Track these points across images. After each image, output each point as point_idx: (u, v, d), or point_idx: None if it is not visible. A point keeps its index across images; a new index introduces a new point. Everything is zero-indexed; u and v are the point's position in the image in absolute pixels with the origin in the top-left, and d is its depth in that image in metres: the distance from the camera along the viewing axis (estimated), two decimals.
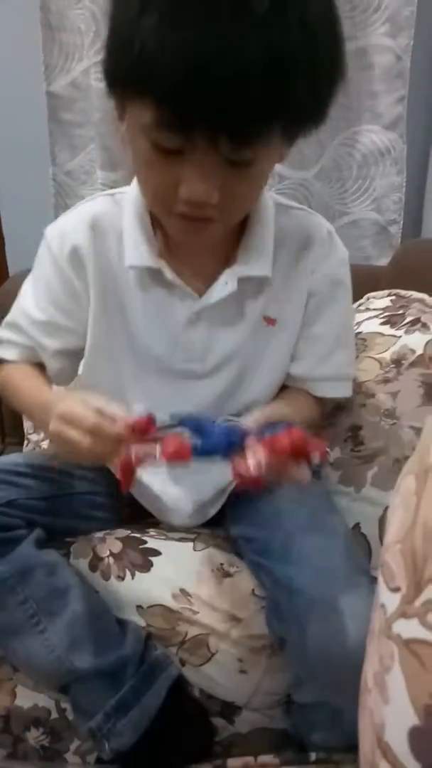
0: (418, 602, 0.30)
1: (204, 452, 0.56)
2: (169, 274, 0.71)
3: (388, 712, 0.32)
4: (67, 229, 0.74)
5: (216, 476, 0.76)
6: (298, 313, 0.77)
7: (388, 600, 0.34)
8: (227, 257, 0.73)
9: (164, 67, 0.51)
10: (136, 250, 0.71)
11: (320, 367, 0.79)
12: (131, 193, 0.72)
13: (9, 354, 0.80)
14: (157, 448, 0.55)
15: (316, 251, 0.76)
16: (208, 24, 0.49)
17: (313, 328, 0.78)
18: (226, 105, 0.51)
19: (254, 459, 0.53)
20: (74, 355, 0.79)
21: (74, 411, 0.59)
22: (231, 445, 0.56)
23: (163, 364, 0.75)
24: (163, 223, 0.69)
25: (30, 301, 0.78)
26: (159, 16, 0.50)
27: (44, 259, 0.76)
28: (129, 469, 0.56)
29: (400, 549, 0.33)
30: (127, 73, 0.55)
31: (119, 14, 0.56)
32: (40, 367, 0.80)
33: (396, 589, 0.33)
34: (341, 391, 0.81)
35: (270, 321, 0.76)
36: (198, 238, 0.67)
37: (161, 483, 0.78)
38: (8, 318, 0.80)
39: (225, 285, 0.72)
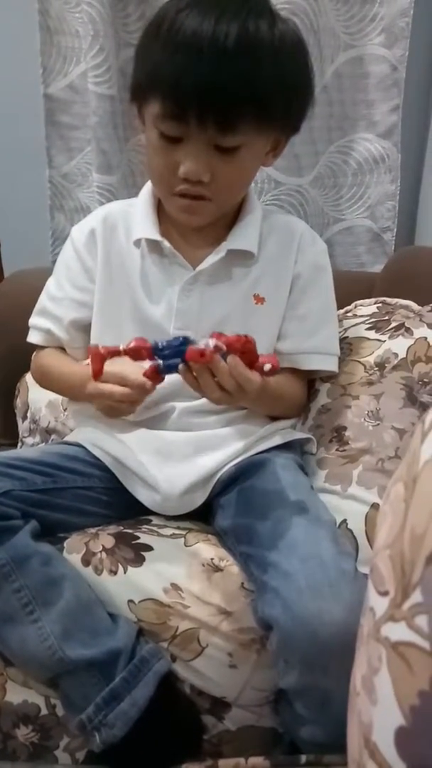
0: (405, 606, 0.31)
1: (162, 348, 0.67)
2: (167, 247, 0.84)
3: (375, 713, 0.32)
4: (87, 221, 0.91)
5: (203, 461, 0.82)
6: (284, 295, 0.88)
7: (377, 604, 0.35)
8: (220, 242, 0.85)
9: (166, 74, 0.72)
10: (142, 226, 0.86)
11: (307, 341, 0.88)
12: (143, 189, 0.90)
13: (36, 338, 0.93)
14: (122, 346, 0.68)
15: (299, 242, 0.89)
16: (197, 48, 0.70)
17: (299, 308, 0.88)
18: (209, 98, 0.71)
19: (204, 343, 0.67)
20: (85, 328, 0.90)
21: (103, 388, 0.74)
22: (186, 342, 0.67)
23: (161, 330, 0.84)
24: (166, 204, 0.84)
25: (51, 284, 0.93)
26: (163, 42, 0.73)
27: (67, 248, 0.92)
28: (97, 357, 0.69)
29: (389, 554, 0.34)
30: (144, 80, 0.76)
31: (141, 43, 0.78)
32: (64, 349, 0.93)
33: (385, 593, 0.34)
34: (328, 364, 0.89)
35: (259, 299, 0.86)
36: (194, 217, 0.82)
37: (151, 466, 0.82)
38: (36, 306, 0.94)
39: (215, 255, 0.85)
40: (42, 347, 0.95)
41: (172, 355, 0.67)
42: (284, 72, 0.74)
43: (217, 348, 0.67)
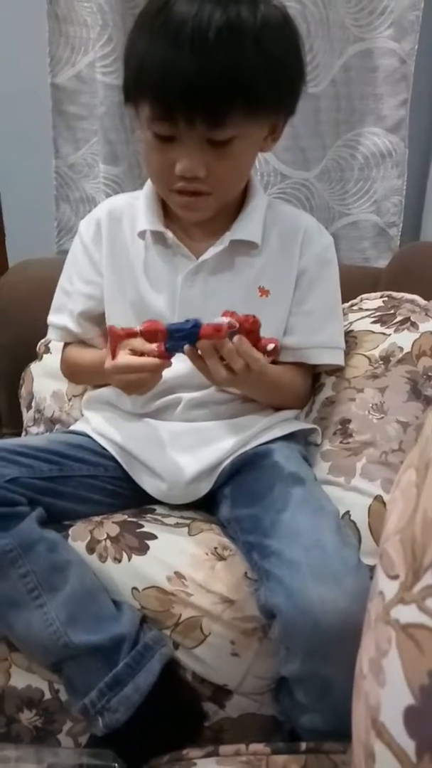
0: (416, 589, 0.32)
1: (175, 329, 0.70)
2: (171, 237, 0.85)
3: (383, 694, 0.33)
4: (93, 215, 0.92)
5: (208, 451, 0.83)
6: (289, 289, 0.88)
7: (387, 587, 0.35)
8: (224, 232, 0.85)
9: (151, 75, 0.72)
10: (146, 218, 0.87)
11: (314, 337, 0.89)
12: (147, 182, 0.89)
13: (54, 335, 0.96)
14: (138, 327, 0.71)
15: (305, 236, 0.89)
16: (178, 43, 0.69)
17: (306, 304, 0.88)
18: (194, 96, 0.70)
19: (218, 320, 0.69)
20: (95, 319, 0.92)
21: (118, 362, 0.75)
22: (198, 324, 0.69)
23: (164, 319, 0.83)
24: (166, 199, 0.85)
25: (63, 279, 0.95)
26: (146, 41, 0.73)
27: (75, 243, 0.93)
28: (115, 338, 0.73)
29: (399, 538, 0.34)
30: (132, 82, 0.76)
31: (128, 44, 0.78)
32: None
33: (395, 577, 0.34)
34: (335, 358, 0.90)
35: (264, 292, 0.86)
36: (195, 212, 0.83)
37: (157, 455, 0.83)
38: (53, 304, 0.95)
39: (218, 245, 0.85)
40: (66, 344, 0.96)
41: (185, 337, 0.69)
42: (269, 57, 0.72)
43: (230, 325, 0.68)
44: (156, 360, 0.73)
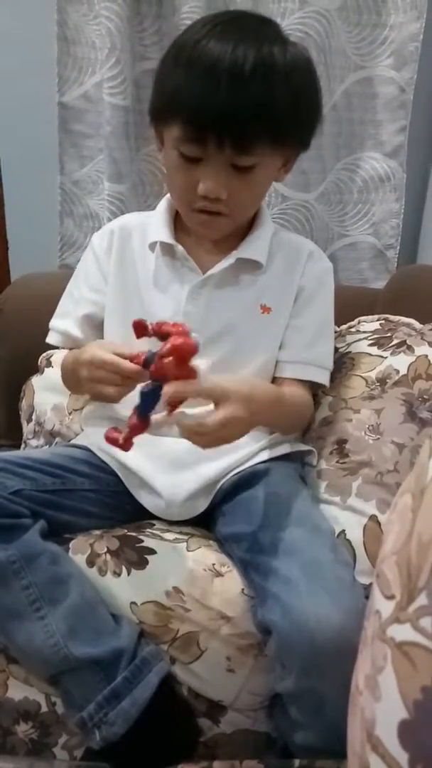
0: (411, 608, 0.33)
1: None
2: (180, 250, 0.88)
3: (378, 708, 0.34)
4: (106, 227, 0.96)
5: (206, 469, 0.84)
6: (289, 305, 0.91)
7: (383, 607, 0.36)
8: (231, 250, 0.89)
9: (187, 100, 0.76)
10: (158, 231, 0.90)
11: (304, 353, 0.91)
12: (161, 202, 0.94)
13: (54, 339, 0.96)
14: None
15: (306, 259, 0.93)
16: (216, 75, 0.73)
17: (299, 319, 0.91)
18: (227, 122, 0.75)
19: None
20: (97, 327, 0.93)
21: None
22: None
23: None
24: (185, 218, 0.88)
25: (70, 287, 0.97)
26: (183, 70, 0.77)
27: (87, 254, 0.96)
28: (115, 443, 0.69)
29: (395, 560, 0.36)
30: (166, 103, 0.81)
31: (161, 69, 0.83)
32: None
33: (391, 597, 0.36)
34: (321, 377, 0.92)
35: (265, 309, 0.90)
36: (211, 230, 0.87)
37: (156, 472, 0.84)
38: (57, 310, 0.96)
39: (225, 262, 0.88)
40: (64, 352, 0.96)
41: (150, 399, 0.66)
42: (296, 94, 0.78)
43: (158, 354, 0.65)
44: (134, 366, 0.70)
